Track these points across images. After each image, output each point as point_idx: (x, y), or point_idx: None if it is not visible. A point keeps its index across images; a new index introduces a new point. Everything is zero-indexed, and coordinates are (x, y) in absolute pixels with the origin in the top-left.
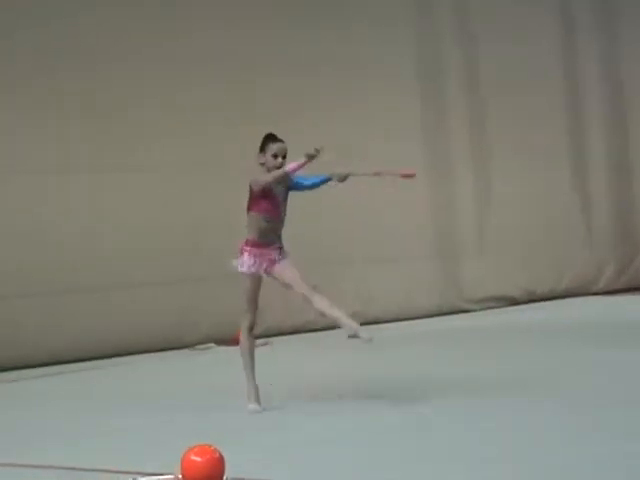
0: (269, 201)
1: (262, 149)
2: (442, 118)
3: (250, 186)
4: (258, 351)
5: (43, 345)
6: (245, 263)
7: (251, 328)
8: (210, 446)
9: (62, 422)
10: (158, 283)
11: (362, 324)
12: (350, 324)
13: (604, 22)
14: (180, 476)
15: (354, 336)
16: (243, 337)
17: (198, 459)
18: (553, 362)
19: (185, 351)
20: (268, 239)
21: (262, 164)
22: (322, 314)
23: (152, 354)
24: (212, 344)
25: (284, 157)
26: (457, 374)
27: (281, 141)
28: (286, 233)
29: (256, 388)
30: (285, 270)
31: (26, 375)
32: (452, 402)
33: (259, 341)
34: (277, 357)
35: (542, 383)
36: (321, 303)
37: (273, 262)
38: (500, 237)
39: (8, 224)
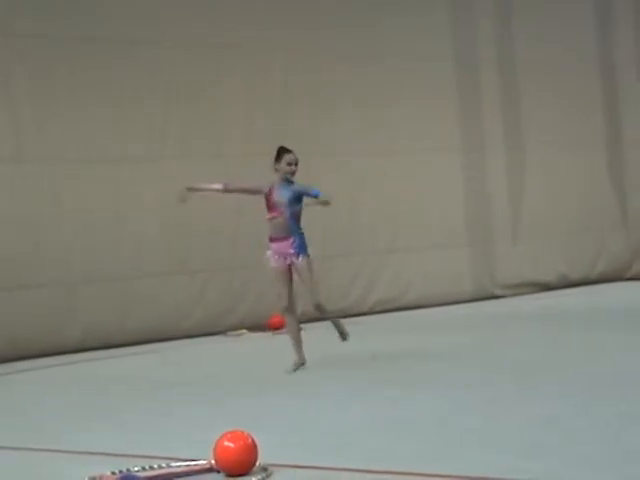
0: (271, 203)
1: (277, 158)
2: (477, 104)
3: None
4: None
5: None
6: (270, 259)
7: (287, 309)
8: (243, 432)
9: (97, 407)
10: (190, 271)
11: (399, 309)
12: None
13: None
14: (213, 462)
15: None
16: (284, 319)
17: (231, 445)
18: (586, 347)
19: (218, 337)
20: (279, 234)
21: (277, 170)
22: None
23: (186, 340)
24: (244, 330)
25: (296, 164)
26: (492, 358)
27: (292, 152)
28: (325, 222)
29: (301, 358)
30: (303, 271)
31: (59, 361)
32: (489, 386)
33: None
34: (307, 343)
35: (576, 368)
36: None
37: (292, 255)
38: (534, 223)
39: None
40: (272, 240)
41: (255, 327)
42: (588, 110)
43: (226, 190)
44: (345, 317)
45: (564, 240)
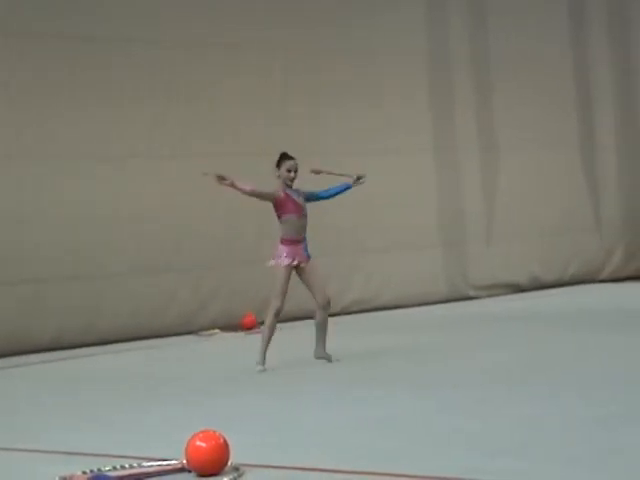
0: (289, 206)
1: (278, 165)
2: (450, 104)
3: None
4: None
5: (48, 331)
6: (283, 257)
7: (278, 313)
8: (215, 432)
9: (68, 407)
10: (162, 270)
11: (374, 310)
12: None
13: (615, 1)
14: (185, 462)
15: (322, 358)
16: (269, 318)
17: (203, 445)
18: (563, 348)
19: (190, 337)
20: (297, 236)
21: (278, 177)
22: (318, 325)
23: (158, 339)
24: (217, 330)
25: (295, 171)
26: (463, 360)
27: (293, 159)
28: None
29: (264, 354)
30: (313, 271)
31: (31, 360)
32: (472, 386)
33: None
34: (285, 343)
35: (550, 369)
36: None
37: (303, 257)
38: (507, 224)
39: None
40: (287, 242)
41: (227, 327)
42: (562, 110)
43: (251, 193)
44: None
45: (537, 241)
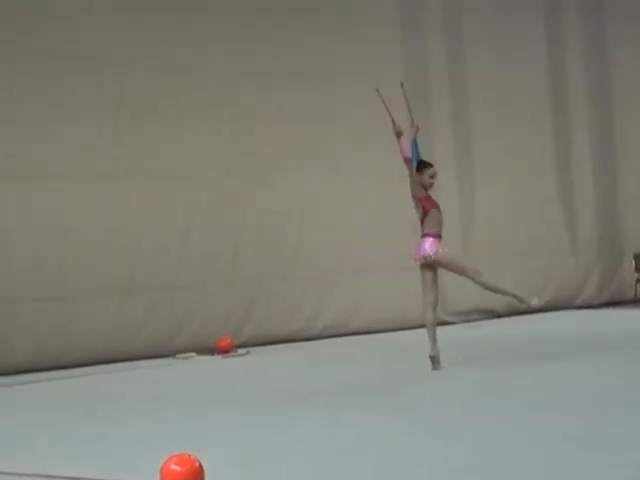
0: (434, 201)
1: (420, 170)
2: (426, 129)
3: (415, 197)
4: (237, 360)
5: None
6: (438, 250)
7: (435, 305)
8: (190, 455)
9: (43, 430)
10: (139, 291)
11: (348, 334)
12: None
13: (592, 26)
14: None
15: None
16: (428, 312)
17: (177, 468)
18: (531, 374)
19: (167, 360)
20: (440, 231)
21: (419, 181)
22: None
23: (134, 362)
24: (193, 353)
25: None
26: (432, 385)
27: (433, 166)
28: (272, 244)
29: (437, 352)
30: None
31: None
32: (432, 413)
33: (240, 350)
34: (256, 366)
35: (524, 395)
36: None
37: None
38: (484, 250)
39: None
40: (438, 235)
41: (204, 350)
42: (539, 136)
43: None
44: (293, 341)
45: (513, 267)
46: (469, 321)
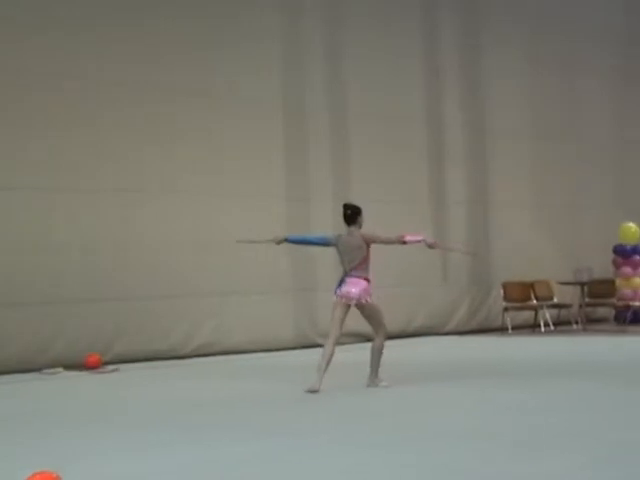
0: None
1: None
2: (305, 155)
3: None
4: (105, 377)
5: None
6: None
7: (337, 341)
8: (52, 473)
9: None
10: (5, 305)
11: (221, 354)
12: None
13: (469, 62)
14: None
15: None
16: (330, 346)
17: None
18: (393, 399)
19: (33, 374)
20: None
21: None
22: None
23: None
24: (60, 369)
25: None
26: (309, 406)
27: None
28: (148, 263)
29: (319, 387)
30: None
31: None
32: (304, 435)
33: (109, 367)
34: (121, 383)
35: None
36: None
37: None
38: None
39: None
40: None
41: (71, 366)
42: (414, 165)
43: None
44: (164, 359)
45: (385, 292)
46: (341, 344)
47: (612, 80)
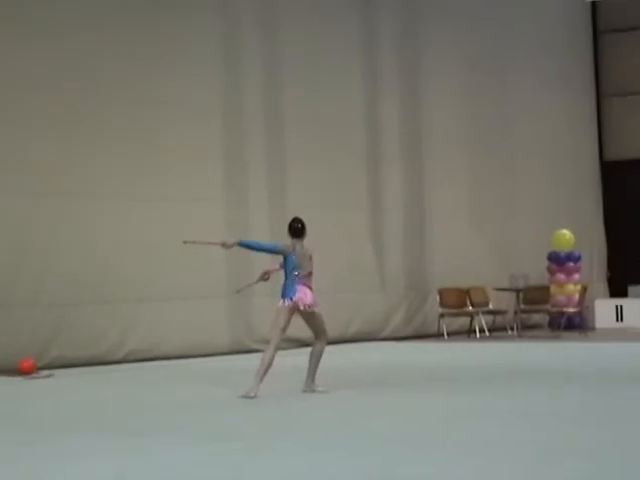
0: None
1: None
2: (243, 159)
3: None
4: (39, 382)
5: None
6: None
7: (277, 348)
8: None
9: None
10: None
11: (154, 359)
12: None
13: (407, 67)
14: None
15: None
16: (271, 352)
17: None
18: (332, 406)
19: None
20: None
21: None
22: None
23: None
24: None
25: None
26: (243, 412)
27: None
28: (79, 269)
29: (256, 392)
30: None
31: None
32: (234, 439)
33: (43, 372)
34: (55, 388)
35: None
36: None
37: None
38: None
39: None
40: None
41: (5, 371)
42: (352, 168)
43: None
44: (98, 364)
45: (323, 298)
46: (280, 349)
47: (550, 84)
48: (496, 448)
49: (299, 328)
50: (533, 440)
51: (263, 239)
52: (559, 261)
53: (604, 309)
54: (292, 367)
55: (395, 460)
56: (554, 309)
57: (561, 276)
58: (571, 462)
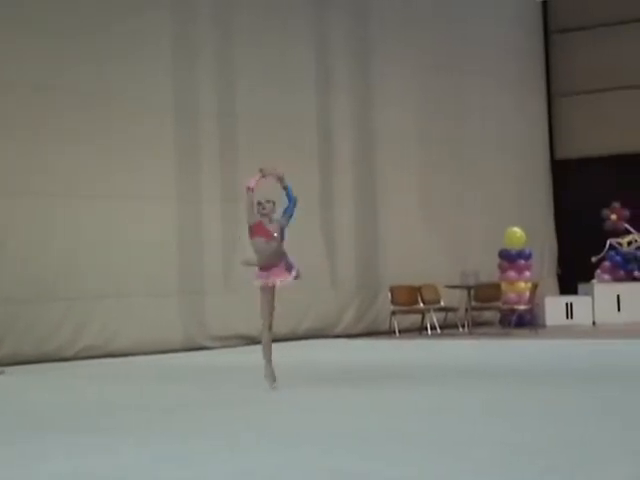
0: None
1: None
2: (195, 156)
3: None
4: None
5: None
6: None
7: (270, 327)
8: None
9: None
10: None
11: (107, 356)
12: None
13: (360, 63)
14: None
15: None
16: (266, 333)
17: None
18: (286, 403)
19: None
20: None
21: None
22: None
23: None
24: None
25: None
26: (177, 414)
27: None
28: (31, 264)
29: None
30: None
31: None
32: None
33: None
34: (8, 386)
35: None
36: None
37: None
38: (244, 276)
39: None
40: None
41: None
42: (304, 167)
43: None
44: (51, 361)
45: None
46: (228, 346)
47: (502, 83)
48: (456, 444)
49: (246, 325)
50: (494, 439)
51: (215, 236)
52: (510, 258)
53: (554, 306)
54: (243, 363)
55: (349, 456)
56: (505, 306)
57: (512, 273)
58: (545, 461)
